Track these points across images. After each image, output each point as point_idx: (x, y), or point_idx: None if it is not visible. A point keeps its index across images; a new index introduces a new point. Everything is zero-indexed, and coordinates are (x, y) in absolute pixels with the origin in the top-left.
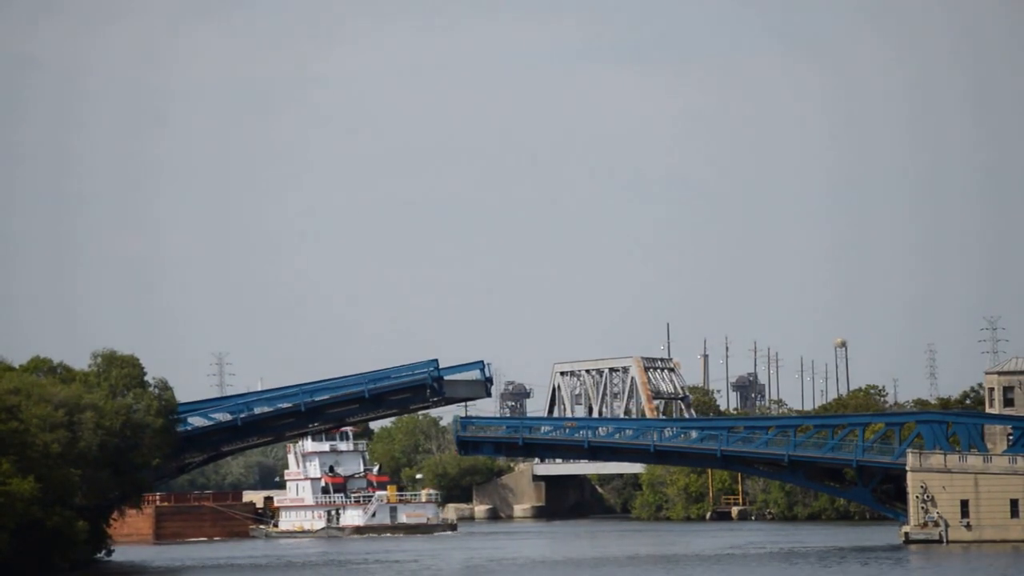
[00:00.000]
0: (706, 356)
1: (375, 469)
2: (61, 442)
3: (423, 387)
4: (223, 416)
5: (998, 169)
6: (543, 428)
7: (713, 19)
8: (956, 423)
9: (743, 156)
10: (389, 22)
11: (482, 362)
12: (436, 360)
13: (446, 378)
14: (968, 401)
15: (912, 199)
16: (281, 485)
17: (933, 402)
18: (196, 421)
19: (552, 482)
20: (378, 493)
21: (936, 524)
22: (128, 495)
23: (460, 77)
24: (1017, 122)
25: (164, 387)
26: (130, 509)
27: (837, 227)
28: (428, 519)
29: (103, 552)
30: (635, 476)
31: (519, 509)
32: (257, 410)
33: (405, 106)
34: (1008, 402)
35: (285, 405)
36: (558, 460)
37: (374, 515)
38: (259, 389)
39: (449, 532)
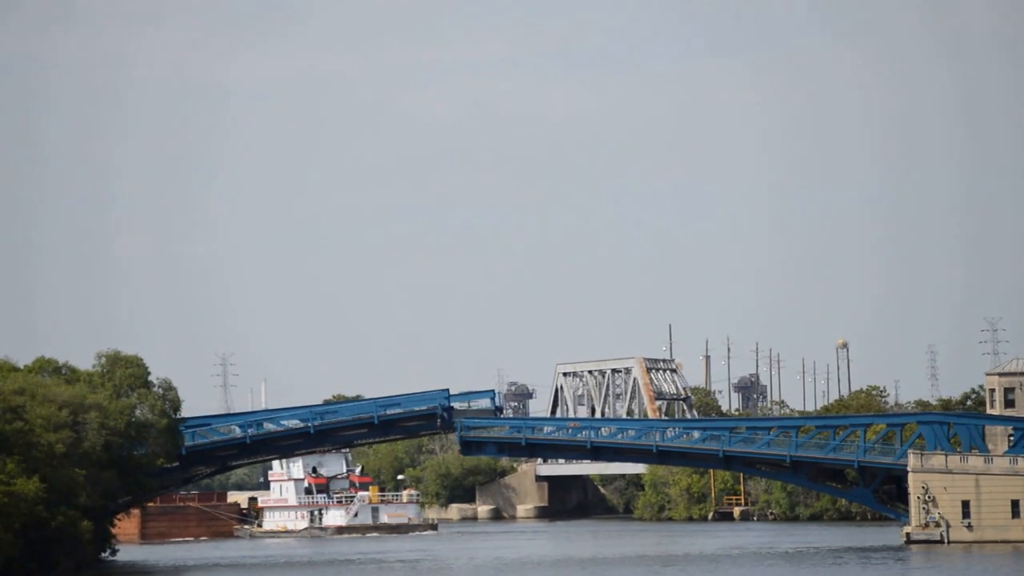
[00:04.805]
0: (708, 357)
1: (357, 470)
2: (65, 442)
3: (433, 416)
4: (232, 432)
5: (999, 170)
6: (546, 429)
7: (711, 23)
8: (957, 424)
9: (744, 157)
10: (400, 28)
11: (493, 391)
12: (447, 390)
13: (456, 406)
14: (969, 402)
15: (914, 200)
16: (266, 486)
17: (934, 403)
18: (203, 434)
19: (555, 482)
20: (360, 494)
21: (937, 525)
22: (135, 498)
23: (459, 81)
24: (1017, 123)
25: (168, 387)
26: (135, 510)
27: (839, 228)
28: (409, 519)
29: (107, 552)
30: (637, 476)
31: (522, 509)
32: (266, 428)
33: (406, 110)
34: (1009, 403)
35: (295, 425)
36: (561, 460)
37: (356, 515)
38: (262, 391)
39: (430, 532)
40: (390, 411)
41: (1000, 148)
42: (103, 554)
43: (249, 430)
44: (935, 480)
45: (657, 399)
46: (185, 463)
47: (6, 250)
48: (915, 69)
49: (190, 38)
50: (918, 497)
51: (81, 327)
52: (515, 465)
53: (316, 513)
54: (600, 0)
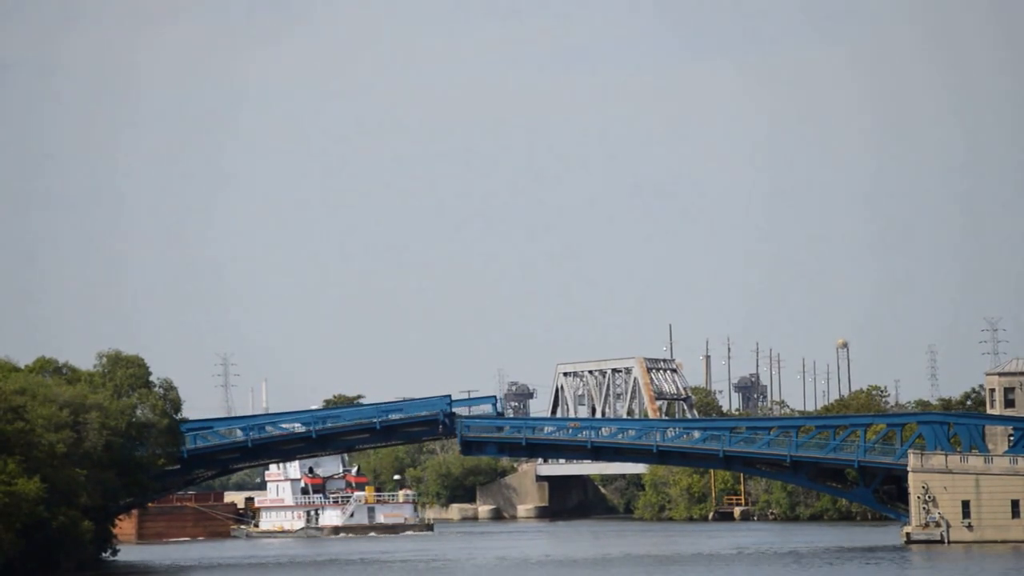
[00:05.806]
0: (708, 357)
1: (354, 470)
2: (66, 442)
3: (435, 422)
4: (234, 435)
5: (998, 169)
6: (546, 429)
7: (702, 24)
8: (957, 424)
9: (745, 157)
10: (402, 28)
11: (495, 397)
12: (449, 396)
13: (457, 412)
14: (969, 402)
15: (913, 200)
16: (262, 486)
17: (934, 403)
18: (205, 437)
19: (555, 482)
20: (356, 494)
21: (937, 524)
22: (137, 500)
23: (458, 80)
24: (1015, 121)
25: (169, 387)
26: (135, 510)
27: (839, 228)
28: (405, 519)
29: (108, 552)
30: (638, 476)
31: (523, 509)
32: (268, 432)
33: (405, 111)
34: (1009, 403)
35: (296, 429)
36: (561, 460)
37: (352, 515)
38: (263, 391)
39: (426, 532)
40: (392, 417)
41: (999, 147)
42: (104, 554)
43: (251, 433)
44: (935, 480)
45: (657, 399)
46: (187, 466)
47: (8, 250)
48: (911, 68)
49: (196, 40)
50: (918, 497)
51: (82, 327)
52: (515, 465)
53: (312, 513)
54: (590, 1)
